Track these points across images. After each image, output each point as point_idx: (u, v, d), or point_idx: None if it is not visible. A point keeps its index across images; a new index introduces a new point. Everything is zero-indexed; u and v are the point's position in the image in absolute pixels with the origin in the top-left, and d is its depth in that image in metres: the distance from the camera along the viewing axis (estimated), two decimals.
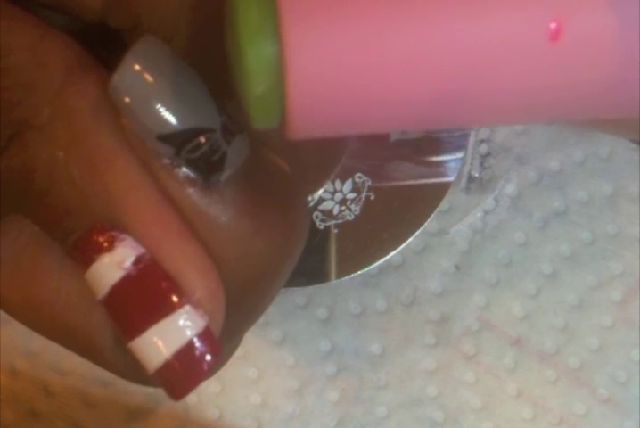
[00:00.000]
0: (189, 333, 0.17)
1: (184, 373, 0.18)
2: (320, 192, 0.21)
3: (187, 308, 0.18)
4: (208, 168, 0.18)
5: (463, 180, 0.33)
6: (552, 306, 0.33)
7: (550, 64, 0.15)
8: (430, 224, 0.32)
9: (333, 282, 0.32)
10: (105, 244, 0.17)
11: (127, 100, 0.17)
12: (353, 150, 0.31)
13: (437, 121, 0.16)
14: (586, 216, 0.33)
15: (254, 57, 0.15)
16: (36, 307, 0.19)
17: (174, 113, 0.17)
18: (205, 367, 0.18)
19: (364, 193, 0.31)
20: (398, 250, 0.31)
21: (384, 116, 0.15)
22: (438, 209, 0.31)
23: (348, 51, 0.14)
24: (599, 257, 0.33)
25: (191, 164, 0.18)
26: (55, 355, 0.32)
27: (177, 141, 0.17)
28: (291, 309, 0.33)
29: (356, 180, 0.31)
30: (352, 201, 0.31)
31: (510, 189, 0.33)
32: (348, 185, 0.31)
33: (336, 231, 0.31)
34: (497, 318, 0.33)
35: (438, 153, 0.32)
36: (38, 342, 0.32)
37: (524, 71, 0.15)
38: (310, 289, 0.32)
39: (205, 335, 0.18)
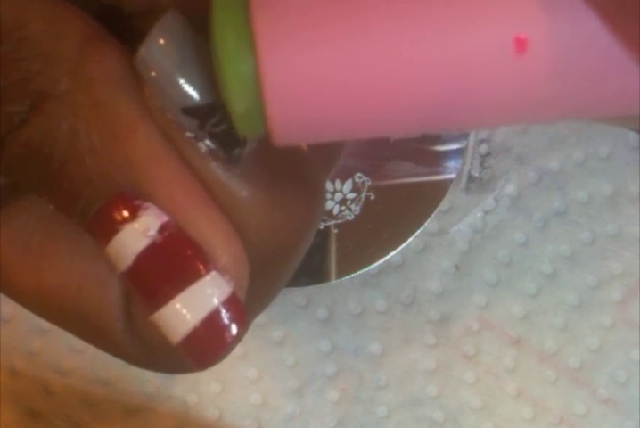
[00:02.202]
0: (216, 299, 0.17)
1: (210, 340, 0.17)
2: None
3: (214, 274, 0.17)
4: (231, 141, 0.18)
5: (463, 180, 0.33)
6: (552, 306, 0.33)
7: (520, 77, 0.15)
8: (430, 224, 0.32)
9: (333, 282, 0.32)
10: (129, 213, 0.17)
11: (153, 73, 0.17)
12: (353, 150, 0.31)
13: (412, 129, 0.16)
14: (586, 216, 0.33)
15: (233, 79, 0.15)
16: (47, 290, 0.19)
17: (199, 87, 0.17)
18: (232, 334, 0.18)
19: (364, 193, 0.31)
20: (398, 250, 0.31)
21: (358, 125, 0.16)
22: (438, 208, 0.31)
23: (320, 69, 0.15)
24: (599, 257, 0.33)
25: (214, 137, 0.18)
26: (55, 355, 0.32)
27: (202, 114, 0.17)
28: (291, 309, 0.33)
29: (356, 180, 0.31)
30: (352, 200, 0.31)
31: (510, 189, 0.33)
32: (348, 184, 0.31)
33: (336, 231, 0.31)
34: (497, 318, 0.33)
35: (438, 153, 0.32)
36: (38, 342, 0.32)
37: (497, 84, 0.15)
38: (310, 289, 0.32)
39: (232, 301, 0.18)
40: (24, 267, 0.19)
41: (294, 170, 0.20)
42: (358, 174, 0.31)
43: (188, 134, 0.18)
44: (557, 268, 0.33)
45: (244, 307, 0.18)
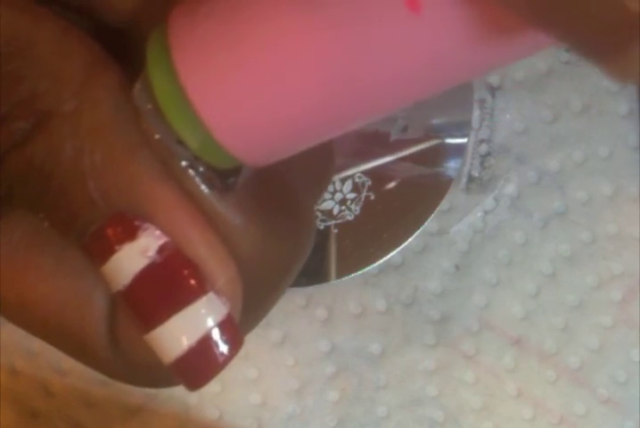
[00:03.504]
0: (211, 320, 0.18)
1: (203, 362, 0.18)
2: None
3: (210, 295, 0.18)
4: (225, 170, 0.18)
5: (463, 180, 0.33)
6: (552, 306, 0.33)
7: (423, 36, 0.15)
8: (430, 224, 0.32)
9: (333, 282, 0.32)
10: (128, 233, 0.17)
11: (149, 106, 0.17)
12: (353, 150, 0.31)
13: (352, 117, 0.17)
14: (586, 216, 0.33)
15: (179, 123, 0.17)
16: (30, 305, 0.19)
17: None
18: (225, 356, 0.18)
19: (364, 193, 0.31)
20: (398, 250, 0.31)
21: (306, 128, 0.17)
22: (438, 209, 0.31)
23: (243, 91, 0.16)
24: (599, 257, 0.33)
25: (209, 166, 0.18)
26: (55, 355, 0.32)
27: None
28: (291, 309, 0.33)
29: (356, 180, 0.31)
30: (352, 201, 0.31)
31: (510, 189, 0.33)
32: (348, 185, 0.31)
33: (336, 231, 0.31)
34: (497, 318, 0.33)
35: (438, 153, 0.32)
36: (38, 342, 0.32)
37: (403, 48, 0.15)
38: (310, 289, 0.32)
39: (227, 323, 0.18)
40: (8, 280, 0.19)
41: (285, 200, 0.20)
42: (358, 174, 0.31)
43: (184, 163, 0.18)
44: (557, 268, 0.33)
45: (238, 329, 0.18)
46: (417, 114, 0.31)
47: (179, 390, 0.33)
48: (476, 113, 0.32)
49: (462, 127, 0.32)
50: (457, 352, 0.33)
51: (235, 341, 0.18)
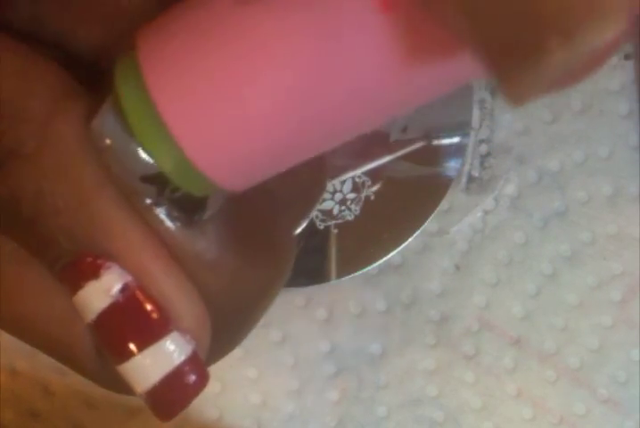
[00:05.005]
0: (176, 358, 0.18)
1: (171, 397, 0.18)
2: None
3: (175, 334, 0.18)
4: (190, 206, 0.18)
5: (463, 180, 0.33)
6: (552, 306, 0.33)
7: (388, 35, 0.15)
8: (430, 224, 0.32)
9: (333, 282, 0.32)
10: (92, 272, 0.17)
11: (107, 142, 0.17)
12: (353, 150, 0.31)
13: (330, 129, 0.17)
14: (586, 216, 0.33)
15: (154, 150, 0.16)
16: (17, 320, 0.19)
17: None
18: (192, 392, 0.18)
19: (364, 193, 0.31)
20: (398, 250, 0.31)
21: (283, 148, 0.17)
22: (438, 209, 0.31)
23: (217, 111, 0.16)
24: (599, 257, 0.33)
25: (174, 203, 0.18)
26: None
27: (159, 181, 0.17)
28: (290, 309, 0.33)
29: (356, 180, 0.31)
30: (352, 201, 0.31)
31: (510, 189, 0.33)
32: (348, 185, 0.31)
33: (336, 231, 0.31)
34: (497, 318, 0.33)
35: (438, 153, 0.32)
36: None
37: (377, 47, 0.15)
38: (310, 289, 0.32)
39: (192, 361, 0.18)
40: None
41: (260, 231, 0.20)
42: (358, 174, 0.31)
43: (147, 200, 0.18)
44: (557, 268, 0.33)
45: (204, 366, 0.18)
46: (417, 114, 0.31)
47: None
48: (476, 113, 0.32)
49: (462, 127, 0.32)
50: (457, 352, 0.33)
51: (202, 377, 0.18)
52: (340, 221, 0.31)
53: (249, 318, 0.20)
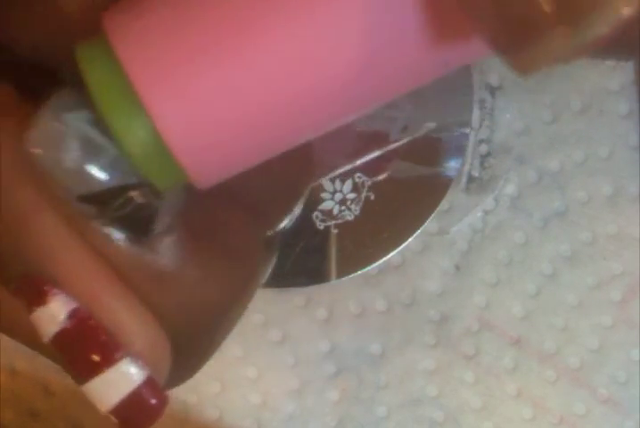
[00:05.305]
0: (131, 384, 0.17)
1: (132, 419, 0.18)
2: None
3: (127, 360, 0.17)
4: (136, 225, 0.17)
5: (463, 180, 0.33)
6: (552, 306, 0.33)
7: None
8: (430, 224, 0.32)
9: (333, 282, 0.32)
10: (39, 298, 0.17)
11: (39, 151, 0.16)
12: (352, 150, 0.31)
13: (318, 118, 0.16)
14: (586, 216, 0.33)
15: (124, 125, 0.15)
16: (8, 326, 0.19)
17: (94, 172, 0.16)
18: (154, 414, 0.18)
19: (364, 193, 0.31)
20: (398, 250, 0.31)
21: (266, 139, 0.16)
22: (438, 209, 0.31)
23: (194, 86, 0.15)
24: (599, 257, 0.33)
25: (118, 222, 0.17)
26: None
27: (100, 200, 0.17)
28: (290, 309, 0.33)
29: (356, 180, 0.31)
30: (352, 201, 0.31)
31: (510, 189, 0.33)
32: (347, 185, 0.31)
33: (336, 231, 0.31)
34: (497, 318, 0.33)
35: (438, 153, 0.32)
36: None
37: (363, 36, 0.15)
38: (310, 289, 0.32)
39: (148, 384, 0.18)
40: None
41: (224, 240, 0.19)
42: (358, 174, 0.31)
43: (91, 220, 0.17)
44: (557, 268, 0.33)
45: (160, 389, 0.18)
46: (417, 114, 0.31)
47: (179, 391, 0.33)
48: (476, 113, 0.32)
49: (462, 127, 0.32)
50: (457, 352, 0.33)
51: (160, 399, 0.18)
52: (340, 221, 0.31)
53: (220, 328, 0.20)
